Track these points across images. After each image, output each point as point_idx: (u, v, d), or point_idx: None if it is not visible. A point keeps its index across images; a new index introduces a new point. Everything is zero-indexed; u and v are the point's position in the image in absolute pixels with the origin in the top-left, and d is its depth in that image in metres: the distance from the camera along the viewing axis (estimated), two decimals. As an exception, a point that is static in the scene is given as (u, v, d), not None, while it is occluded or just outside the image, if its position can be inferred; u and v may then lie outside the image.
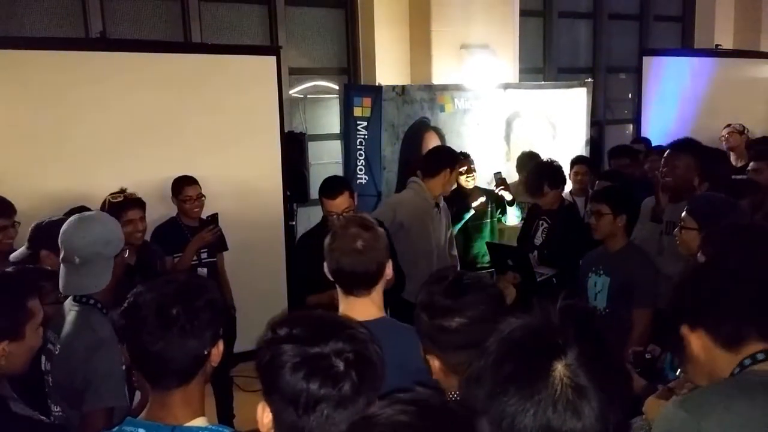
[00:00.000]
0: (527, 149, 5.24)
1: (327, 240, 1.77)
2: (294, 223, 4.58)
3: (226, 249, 3.87)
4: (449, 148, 4.42)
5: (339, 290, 1.77)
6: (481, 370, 0.92)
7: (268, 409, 1.11)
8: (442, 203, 3.95)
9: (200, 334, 1.35)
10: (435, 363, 1.48)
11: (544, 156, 4.50)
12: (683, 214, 2.54)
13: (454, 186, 4.12)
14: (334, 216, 2.97)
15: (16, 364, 1.62)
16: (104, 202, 3.17)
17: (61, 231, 2.02)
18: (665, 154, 3.42)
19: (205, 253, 3.67)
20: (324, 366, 1.06)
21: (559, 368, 0.88)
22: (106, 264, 1.99)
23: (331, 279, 1.77)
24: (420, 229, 3.71)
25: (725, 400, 1.30)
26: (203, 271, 3.60)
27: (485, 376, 0.91)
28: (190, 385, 1.37)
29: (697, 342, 1.39)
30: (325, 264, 1.78)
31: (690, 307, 1.42)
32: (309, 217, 4.68)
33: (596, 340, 0.93)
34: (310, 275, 3.17)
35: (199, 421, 1.37)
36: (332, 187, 3.06)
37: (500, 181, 4.56)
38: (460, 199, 4.36)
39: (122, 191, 3.22)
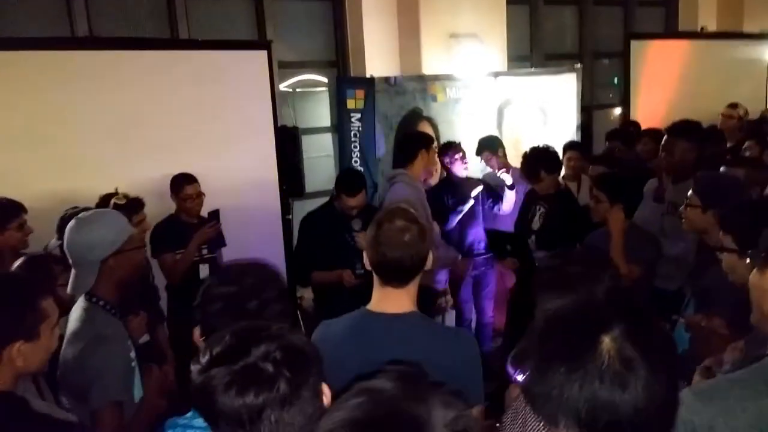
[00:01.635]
0: (518, 136, 5.26)
1: (370, 231, 1.70)
2: (290, 217, 4.57)
3: (225, 245, 3.85)
4: (417, 131, 4.61)
5: (375, 279, 1.72)
6: (529, 344, 0.93)
7: None
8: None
9: None
10: None
11: (532, 142, 4.47)
12: (689, 192, 2.57)
13: (438, 168, 4.18)
14: (352, 210, 3.18)
15: (33, 365, 1.60)
16: (101, 203, 3.04)
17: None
18: (664, 139, 3.46)
19: (206, 249, 3.66)
20: (254, 374, 1.03)
21: (606, 341, 0.89)
22: (89, 267, 1.98)
23: (370, 269, 1.72)
24: (426, 217, 3.77)
25: (742, 400, 1.30)
26: (204, 267, 3.60)
27: (533, 349, 0.93)
28: None
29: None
30: (364, 254, 1.73)
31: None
32: (304, 211, 4.65)
33: (643, 315, 0.95)
34: (315, 253, 3.40)
35: None
36: (353, 184, 3.26)
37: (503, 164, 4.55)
38: (454, 189, 4.37)
39: (116, 193, 3.15)
